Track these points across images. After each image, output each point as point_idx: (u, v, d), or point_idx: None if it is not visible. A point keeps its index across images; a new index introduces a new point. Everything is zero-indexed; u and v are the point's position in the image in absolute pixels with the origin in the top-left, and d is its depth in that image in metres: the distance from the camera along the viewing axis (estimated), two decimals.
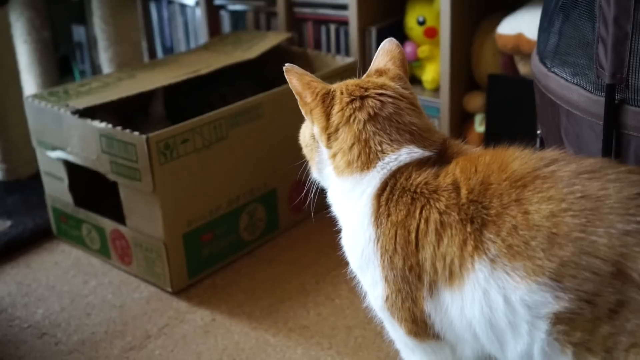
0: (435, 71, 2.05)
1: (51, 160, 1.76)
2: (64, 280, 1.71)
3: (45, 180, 1.83)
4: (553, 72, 1.22)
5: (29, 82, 2.45)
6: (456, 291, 0.93)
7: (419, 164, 1.00)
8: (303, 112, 1.09)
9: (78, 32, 2.75)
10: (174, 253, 1.59)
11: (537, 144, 1.50)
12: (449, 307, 0.95)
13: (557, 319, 0.85)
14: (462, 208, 0.93)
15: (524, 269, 0.86)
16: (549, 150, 0.97)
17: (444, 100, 1.97)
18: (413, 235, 0.96)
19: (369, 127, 1.02)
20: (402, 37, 2.10)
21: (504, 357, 0.94)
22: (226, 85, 1.96)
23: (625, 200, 0.85)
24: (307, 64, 1.99)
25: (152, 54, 2.66)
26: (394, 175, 1.00)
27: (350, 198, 1.05)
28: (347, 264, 1.11)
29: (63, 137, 1.68)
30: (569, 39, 1.20)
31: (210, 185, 1.63)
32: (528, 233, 0.87)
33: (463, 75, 2.02)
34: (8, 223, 1.90)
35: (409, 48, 2.10)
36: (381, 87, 1.05)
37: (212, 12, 2.43)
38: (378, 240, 1.00)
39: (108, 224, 1.70)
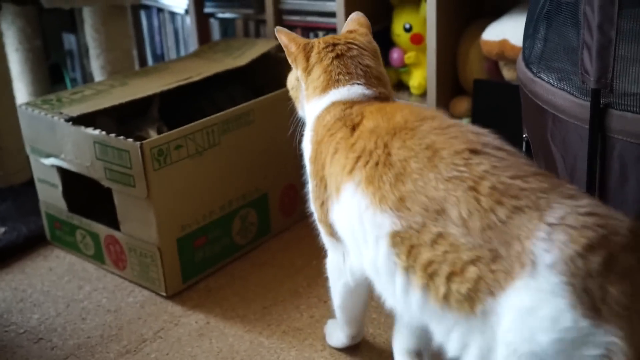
0: (422, 77, 2.09)
1: (45, 167, 1.78)
2: (58, 286, 1.73)
3: (39, 186, 1.86)
4: (539, 78, 1.26)
5: (21, 90, 2.47)
6: (337, 202, 1.18)
7: (357, 101, 1.25)
8: (290, 60, 1.36)
9: (69, 40, 2.77)
10: (168, 258, 1.62)
11: (523, 147, 1.54)
12: (335, 214, 1.21)
13: (393, 242, 1.05)
14: (350, 141, 1.17)
15: (374, 196, 1.08)
16: (430, 109, 1.25)
17: (430, 105, 2.01)
18: (323, 155, 1.23)
19: (334, 63, 1.29)
20: (389, 43, 2.14)
21: (361, 262, 1.16)
22: (217, 91, 1.99)
23: (454, 153, 1.03)
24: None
25: (143, 61, 2.68)
26: (334, 104, 1.26)
27: (310, 118, 1.31)
28: None
29: (57, 144, 1.70)
30: (554, 45, 1.25)
31: (203, 191, 1.66)
32: (383, 170, 1.09)
33: (449, 80, 2.05)
34: (2, 229, 1.92)
35: (395, 54, 2.14)
36: (351, 38, 1.33)
37: (202, 20, 2.46)
38: (311, 152, 1.28)
39: (102, 230, 1.72)
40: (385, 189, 1.07)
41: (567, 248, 0.90)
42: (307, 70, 1.32)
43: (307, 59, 1.32)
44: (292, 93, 1.43)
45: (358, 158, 1.14)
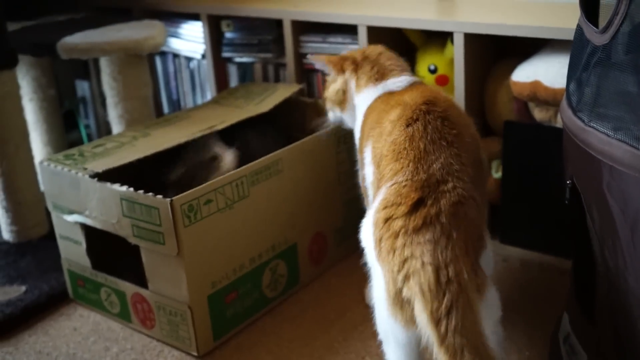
0: None
1: (68, 223, 1.72)
2: (84, 347, 1.66)
3: (61, 243, 1.80)
4: (591, 127, 1.20)
5: (35, 140, 2.43)
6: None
7: (398, 91, 1.54)
8: (334, 70, 1.68)
9: (82, 87, 2.74)
10: (199, 316, 1.55)
11: (567, 194, 1.48)
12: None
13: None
14: (381, 121, 1.42)
15: (372, 151, 1.41)
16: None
17: None
18: (377, 130, 1.42)
19: (382, 57, 1.64)
20: None
21: None
22: (248, 128, 1.96)
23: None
24: (318, 114, 1.98)
25: (158, 106, 2.64)
26: (386, 93, 1.55)
27: (362, 105, 1.59)
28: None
29: (81, 201, 1.65)
30: (609, 93, 1.19)
31: (233, 245, 1.60)
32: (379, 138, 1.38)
33: (477, 121, 1.99)
34: (23, 288, 1.86)
35: None
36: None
37: (219, 65, 2.42)
38: (363, 133, 1.54)
39: (129, 288, 1.66)
40: (377, 146, 1.39)
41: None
42: (357, 66, 1.63)
43: (354, 61, 1.65)
44: (331, 100, 1.70)
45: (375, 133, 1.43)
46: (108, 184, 1.56)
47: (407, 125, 1.32)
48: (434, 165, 1.24)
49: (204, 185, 1.51)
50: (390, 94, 1.54)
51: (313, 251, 1.85)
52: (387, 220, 1.20)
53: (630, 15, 1.14)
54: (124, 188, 1.53)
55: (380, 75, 1.59)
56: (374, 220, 1.23)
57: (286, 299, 1.80)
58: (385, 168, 1.30)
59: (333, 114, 1.75)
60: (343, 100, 1.67)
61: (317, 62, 1.73)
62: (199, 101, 2.54)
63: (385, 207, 1.21)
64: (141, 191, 1.50)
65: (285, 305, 1.78)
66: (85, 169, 1.63)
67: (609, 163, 1.17)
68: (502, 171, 1.96)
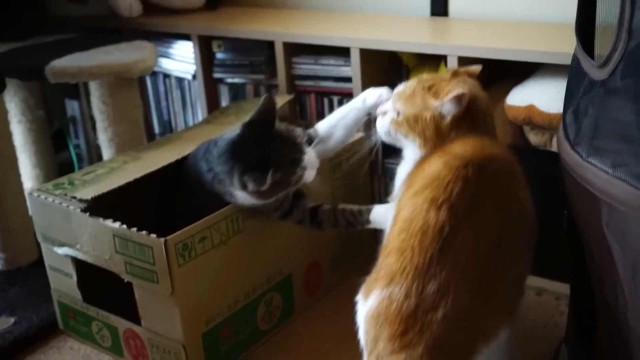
0: None
1: (58, 255, 1.69)
2: None
3: (51, 274, 1.76)
4: (589, 163, 1.18)
5: (24, 163, 2.39)
6: None
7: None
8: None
9: (72, 106, 2.70)
10: (193, 354, 1.53)
11: (564, 225, 1.46)
12: None
13: None
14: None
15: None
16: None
17: None
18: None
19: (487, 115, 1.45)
20: None
21: None
22: None
23: None
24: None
25: (149, 127, 2.61)
26: None
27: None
28: None
29: (72, 234, 1.62)
30: (607, 126, 1.16)
31: (228, 280, 1.58)
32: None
33: None
34: (12, 320, 1.83)
35: None
36: None
37: (211, 85, 2.39)
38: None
39: (121, 323, 1.63)
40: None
41: None
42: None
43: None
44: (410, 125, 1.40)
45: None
46: (100, 220, 1.53)
47: (433, 201, 1.22)
48: (430, 287, 1.19)
49: (198, 222, 1.48)
50: None
51: (308, 280, 1.82)
52: (374, 332, 1.22)
53: (629, 51, 1.12)
54: (117, 224, 1.50)
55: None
56: (365, 318, 1.25)
57: (280, 329, 1.77)
58: (387, 257, 1.25)
59: (390, 134, 1.44)
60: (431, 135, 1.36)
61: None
62: (190, 121, 2.51)
63: (374, 317, 1.22)
64: (134, 229, 1.47)
65: (280, 336, 1.76)
66: (75, 197, 1.59)
67: (608, 201, 1.14)
68: None
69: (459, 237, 1.20)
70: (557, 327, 1.72)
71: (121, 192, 1.62)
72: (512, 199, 1.31)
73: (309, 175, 1.50)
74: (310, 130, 1.67)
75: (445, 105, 1.32)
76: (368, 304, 1.24)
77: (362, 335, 1.27)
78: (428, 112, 1.34)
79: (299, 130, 1.54)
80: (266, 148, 1.46)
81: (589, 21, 1.33)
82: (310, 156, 1.50)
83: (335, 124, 1.68)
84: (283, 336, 1.76)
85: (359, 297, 1.29)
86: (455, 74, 1.41)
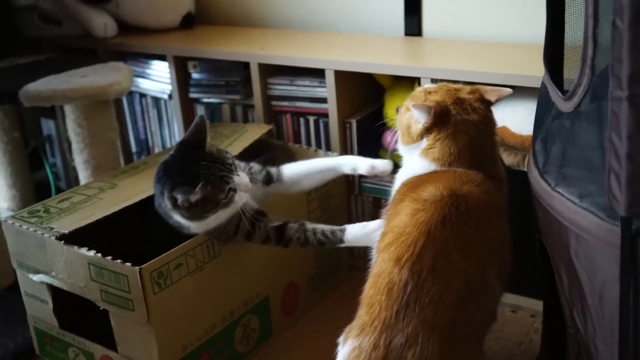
0: None
1: (34, 282, 1.69)
2: None
3: (27, 301, 1.76)
4: (557, 192, 1.20)
5: (0, 184, 2.38)
6: None
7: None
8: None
9: (47, 125, 2.69)
10: None
11: (537, 248, 1.48)
12: None
13: None
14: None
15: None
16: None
17: None
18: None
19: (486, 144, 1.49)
20: (382, 126, 2.10)
21: None
22: None
23: None
24: (288, 157, 1.97)
25: (125, 146, 2.61)
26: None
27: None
28: None
29: (47, 262, 1.61)
30: (574, 161, 1.19)
31: (204, 305, 1.59)
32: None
33: None
34: None
35: (389, 137, 2.09)
36: None
37: (187, 105, 2.40)
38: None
39: (98, 349, 1.63)
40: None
41: None
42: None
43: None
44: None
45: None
46: (75, 248, 1.53)
47: (397, 260, 1.26)
48: (397, 339, 1.22)
49: (174, 249, 1.48)
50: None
51: (286, 302, 1.83)
52: None
53: (594, 84, 1.15)
54: (92, 253, 1.50)
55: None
56: None
57: (258, 352, 1.78)
58: (361, 308, 1.29)
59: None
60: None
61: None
62: (168, 140, 2.51)
63: None
64: (109, 257, 1.47)
65: (259, 358, 1.77)
66: (52, 228, 1.59)
67: (576, 231, 1.16)
68: None
69: (425, 291, 1.23)
70: (533, 343, 1.74)
71: (97, 222, 1.62)
72: (485, 234, 1.34)
73: (240, 198, 1.52)
74: (272, 170, 1.70)
75: (414, 111, 1.42)
76: (344, 351, 1.27)
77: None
78: (408, 113, 1.46)
79: (230, 155, 1.58)
80: (196, 166, 1.48)
81: (556, 47, 1.35)
82: (242, 179, 1.52)
83: (308, 173, 1.72)
84: (261, 358, 1.77)
85: (340, 341, 1.32)
86: (473, 91, 1.46)
